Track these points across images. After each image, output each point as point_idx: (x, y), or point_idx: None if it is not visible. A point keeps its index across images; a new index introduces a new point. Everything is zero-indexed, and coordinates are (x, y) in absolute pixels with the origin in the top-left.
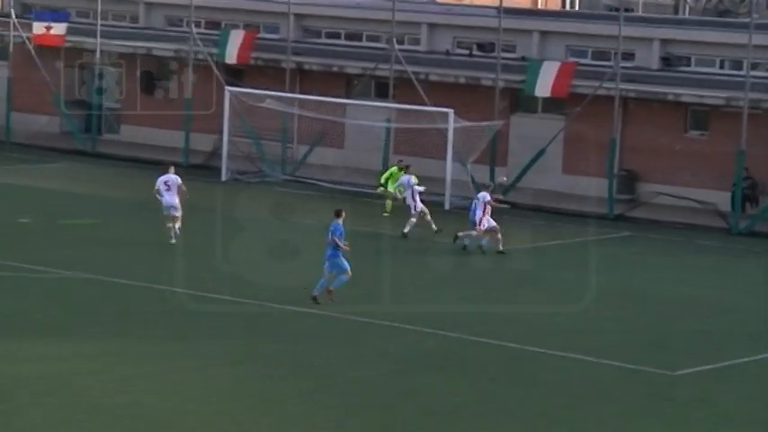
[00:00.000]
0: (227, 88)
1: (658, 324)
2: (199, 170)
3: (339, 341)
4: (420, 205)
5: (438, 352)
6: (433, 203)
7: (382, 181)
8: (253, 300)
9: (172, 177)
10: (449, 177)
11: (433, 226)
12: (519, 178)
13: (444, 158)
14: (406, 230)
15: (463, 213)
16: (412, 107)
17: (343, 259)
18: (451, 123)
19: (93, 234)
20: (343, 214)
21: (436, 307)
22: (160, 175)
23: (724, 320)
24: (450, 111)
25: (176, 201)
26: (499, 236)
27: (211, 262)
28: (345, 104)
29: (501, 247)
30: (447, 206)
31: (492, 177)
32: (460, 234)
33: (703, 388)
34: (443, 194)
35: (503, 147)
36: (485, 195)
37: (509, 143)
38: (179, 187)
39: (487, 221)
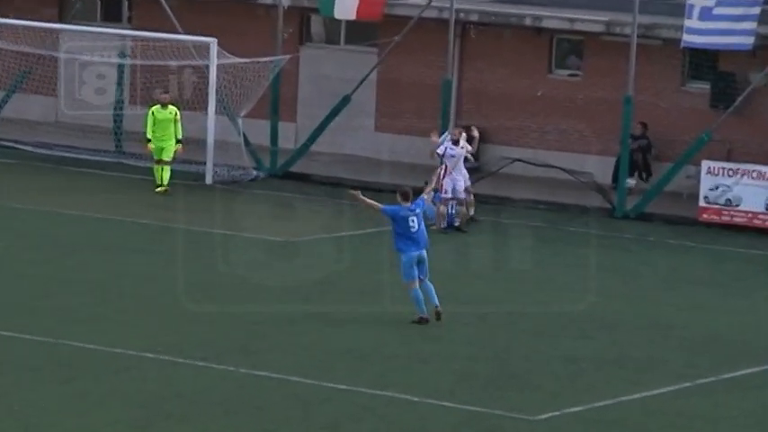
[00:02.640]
0: None
1: (510, 348)
2: None
3: (53, 376)
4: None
5: (197, 391)
6: (187, 175)
7: (149, 134)
8: None
9: None
10: (211, 138)
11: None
12: (313, 139)
13: (205, 110)
14: (471, 214)
15: (232, 190)
16: (157, 35)
17: None
18: (214, 58)
19: None
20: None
21: (199, 327)
22: None
23: (600, 342)
24: (213, 41)
25: None
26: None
27: None
28: (59, 31)
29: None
30: (209, 179)
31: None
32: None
33: None
34: (204, 163)
35: (289, 93)
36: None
37: (298, 88)
38: None
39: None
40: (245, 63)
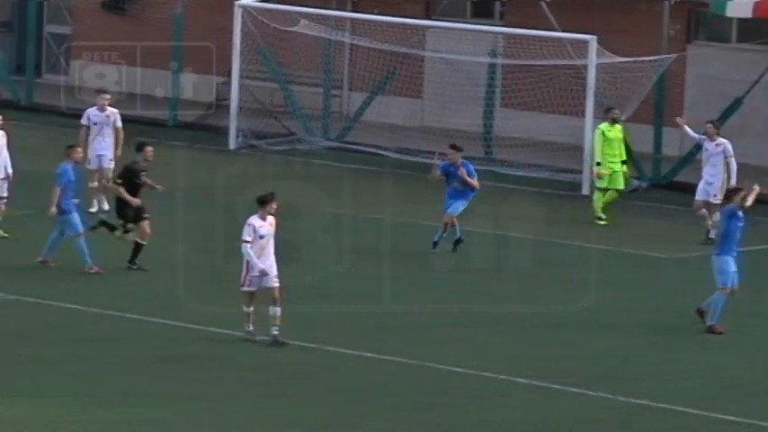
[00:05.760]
0: (239, 2)
1: None
2: (194, 132)
3: (415, 402)
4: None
5: (576, 419)
6: (559, 185)
7: (599, 156)
8: None
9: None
10: (589, 144)
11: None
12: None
13: (582, 115)
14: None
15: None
16: (531, 32)
17: None
18: (593, 58)
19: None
20: None
21: (568, 351)
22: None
23: None
24: (592, 38)
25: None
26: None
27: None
28: (425, 28)
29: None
30: (585, 190)
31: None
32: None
33: None
34: (580, 171)
35: (676, 95)
36: None
37: (685, 89)
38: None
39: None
40: (627, 63)
